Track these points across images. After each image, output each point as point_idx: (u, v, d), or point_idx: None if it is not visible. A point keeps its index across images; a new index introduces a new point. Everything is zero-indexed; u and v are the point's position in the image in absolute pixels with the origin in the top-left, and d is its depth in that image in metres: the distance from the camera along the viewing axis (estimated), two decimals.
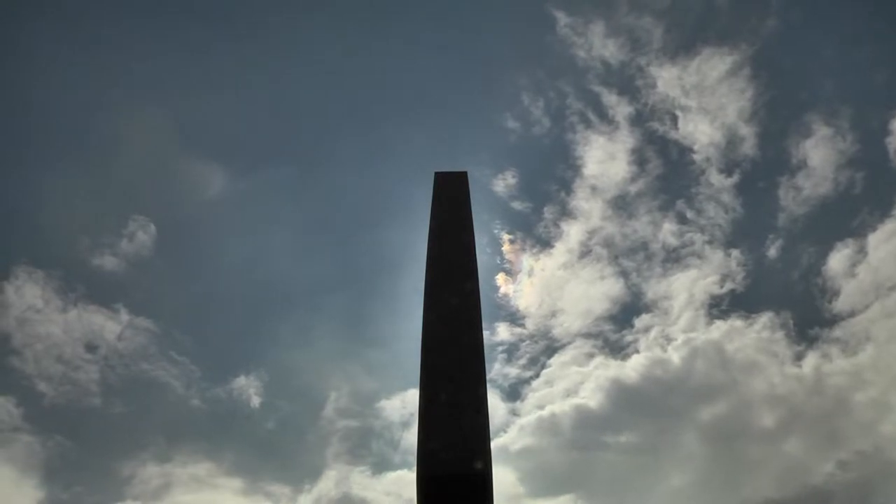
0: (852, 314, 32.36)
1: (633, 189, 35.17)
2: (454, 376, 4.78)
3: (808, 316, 33.70)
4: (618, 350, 35.03)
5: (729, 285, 33.92)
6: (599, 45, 33.78)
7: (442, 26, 36.04)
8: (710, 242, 34.36)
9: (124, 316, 31.89)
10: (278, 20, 34.88)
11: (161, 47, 34.42)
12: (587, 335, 34.78)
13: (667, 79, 34.34)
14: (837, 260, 32.93)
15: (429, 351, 4.94)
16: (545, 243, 35.66)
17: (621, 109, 34.59)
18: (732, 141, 34.07)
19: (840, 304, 32.53)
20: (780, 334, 33.37)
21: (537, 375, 34.72)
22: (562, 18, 33.87)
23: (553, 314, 35.00)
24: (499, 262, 35.01)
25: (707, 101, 34.22)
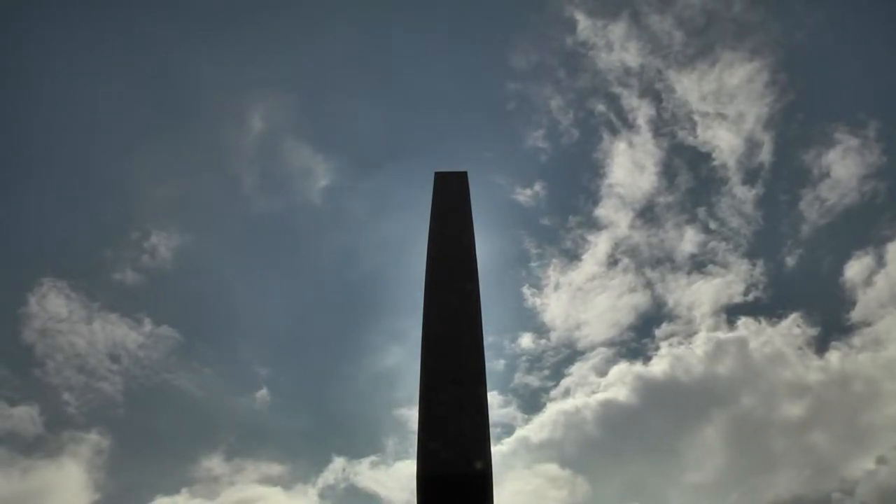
0: (869, 322, 32.18)
1: (656, 198, 35.14)
2: (454, 376, 4.78)
3: (829, 322, 33.56)
4: (640, 356, 35.05)
5: (751, 294, 33.85)
6: (620, 49, 33.77)
7: (456, 27, 36.12)
8: (731, 251, 34.25)
9: (147, 325, 32.23)
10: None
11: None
12: (610, 344, 34.83)
13: (688, 85, 34.26)
14: (856, 268, 32.75)
15: (429, 351, 4.95)
16: (571, 255, 35.71)
17: (643, 116, 34.57)
18: (754, 149, 33.95)
19: (857, 313, 32.37)
20: (803, 336, 33.29)
21: (557, 384, 34.82)
22: (582, 20, 33.89)
23: (578, 326, 35.06)
24: (524, 274, 35.23)
25: (731, 108, 34.09)
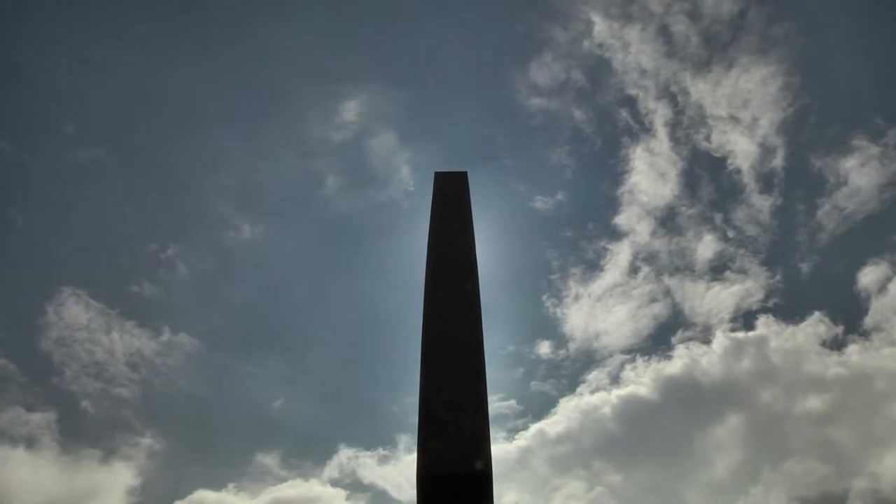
0: (882, 328, 31.97)
1: (674, 205, 35.06)
2: (454, 376, 4.79)
3: (847, 326, 33.39)
4: (660, 357, 35.06)
5: (768, 300, 33.74)
6: (636, 52, 33.64)
7: (472, 29, 36.03)
8: (747, 257, 34.11)
9: (166, 335, 32.47)
10: None
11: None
12: (629, 351, 34.88)
13: (704, 89, 34.07)
14: (871, 276, 32.52)
15: (429, 351, 4.95)
16: (592, 264, 35.76)
17: (661, 122, 34.43)
18: (771, 155, 33.72)
19: (870, 319, 32.17)
20: (822, 337, 33.18)
21: (573, 392, 34.93)
22: (599, 23, 33.81)
23: (597, 336, 35.12)
24: (545, 285, 35.32)
25: (748, 113, 33.85)
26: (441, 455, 4.45)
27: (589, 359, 35.07)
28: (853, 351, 33.12)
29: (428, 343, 4.99)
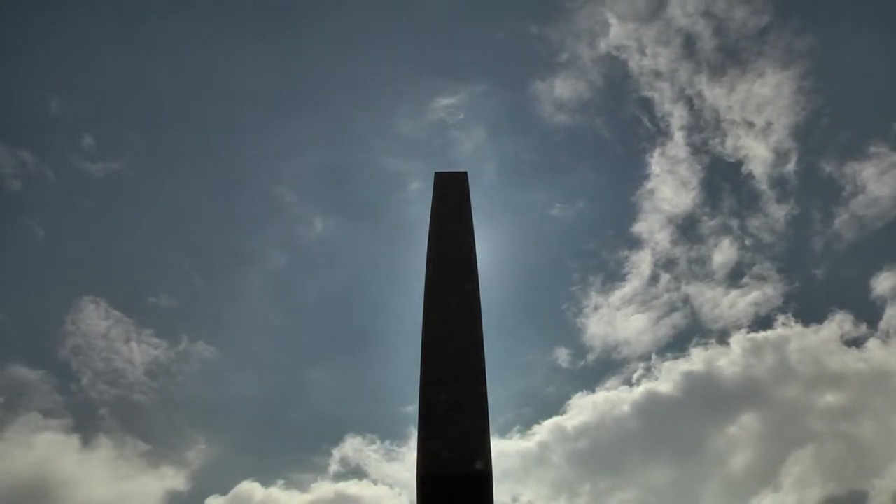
0: None
1: (693, 212, 34.92)
2: (454, 376, 4.78)
3: (863, 325, 33.11)
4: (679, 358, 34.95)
5: (786, 306, 33.58)
6: (651, 56, 33.49)
7: (485, 30, 35.93)
8: (762, 264, 33.90)
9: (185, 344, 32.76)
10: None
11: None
12: (646, 358, 34.83)
13: (720, 93, 33.87)
14: (888, 283, 32.25)
15: (429, 351, 4.95)
16: (612, 274, 35.76)
17: (677, 125, 34.26)
18: (784, 162, 33.47)
19: (884, 323, 31.87)
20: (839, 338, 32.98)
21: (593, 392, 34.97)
22: (615, 25, 33.73)
23: (616, 346, 35.10)
24: (564, 295, 35.36)
25: (766, 118, 33.61)
26: (441, 455, 4.44)
27: (606, 366, 35.09)
28: (874, 346, 32.91)
29: (428, 343, 4.99)
